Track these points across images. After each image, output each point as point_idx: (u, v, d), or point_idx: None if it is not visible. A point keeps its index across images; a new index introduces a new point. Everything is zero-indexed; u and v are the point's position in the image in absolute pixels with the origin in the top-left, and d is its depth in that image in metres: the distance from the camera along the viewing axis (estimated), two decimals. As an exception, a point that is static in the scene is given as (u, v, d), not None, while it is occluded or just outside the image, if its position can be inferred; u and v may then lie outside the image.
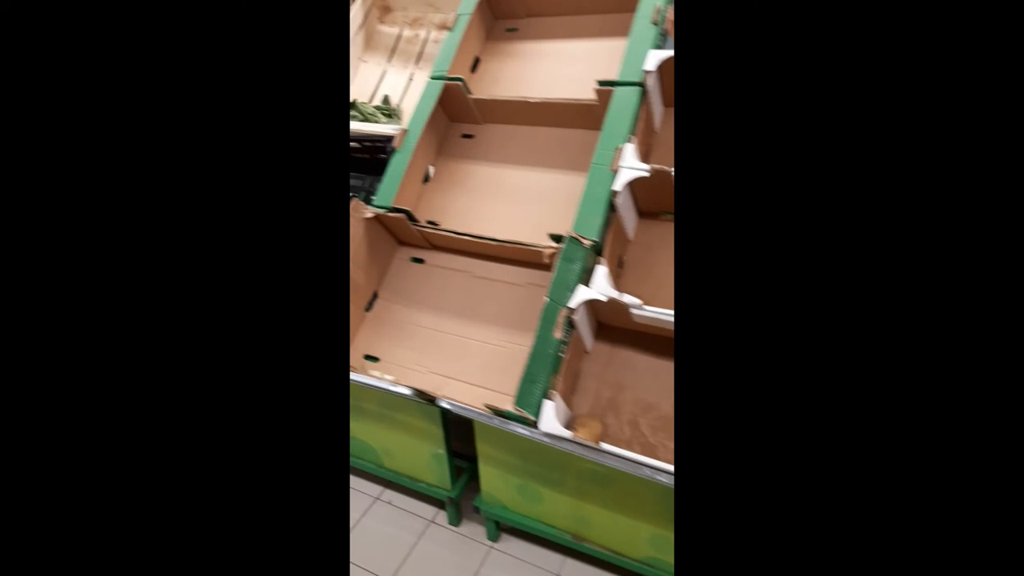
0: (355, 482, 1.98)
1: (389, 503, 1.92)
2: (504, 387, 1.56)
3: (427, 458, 1.68)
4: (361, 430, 1.77)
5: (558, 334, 1.33)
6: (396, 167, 1.74)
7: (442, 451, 1.63)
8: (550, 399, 1.27)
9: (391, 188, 1.70)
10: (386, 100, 2.12)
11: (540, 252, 1.50)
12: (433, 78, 1.84)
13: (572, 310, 1.34)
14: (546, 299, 1.37)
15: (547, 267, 1.57)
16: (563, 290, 1.37)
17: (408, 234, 1.78)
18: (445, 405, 1.37)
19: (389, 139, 1.78)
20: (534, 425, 1.26)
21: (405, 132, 1.76)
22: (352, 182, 2.04)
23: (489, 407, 1.31)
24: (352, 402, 1.68)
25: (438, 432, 1.58)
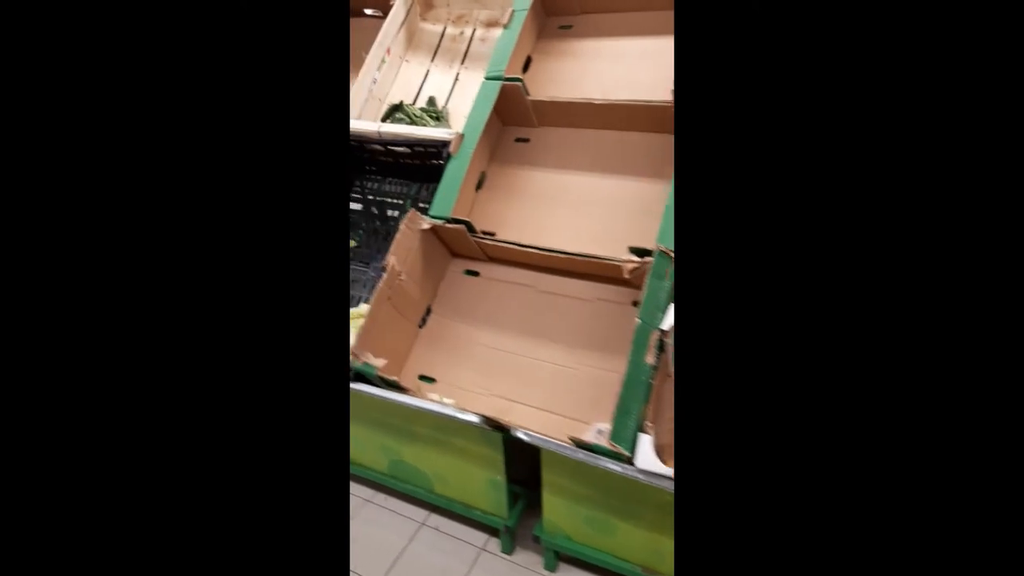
0: (400, 507, 1.88)
1: (436, 529, 1.82)
2: (575, 412, 1.45)
3: (484, 485, 1.58)
4: (411, 454, 1.66)
5: (650, 359, 1.22)
6: (453, 174, 1.62)
7: (501, 478, 1.53)
8: (646, 432, 1.16)
9: (449, 197, 1.59)
10: (431, 101, 2.00)
11: (619, 267, 1.39)
12: (488, 78, 1.73)
13: (665, 332, 1.22)
14: (638, 321, 1.25)
15: (622, 282, 1.46)
16: (654, 310, 1.26)
17: (463, 245, 1.66)
18: (521, 436, 1.26)
19: (442, 144, 1.66)
20: (629, 462, 1.15)
21: (462, 137, 1.65)
22: (398, 188, 1.93)
23: (574, 440, 1.20)
24: (402, 425, 1.58)
25: (498, 459, 1.48)
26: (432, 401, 1.42)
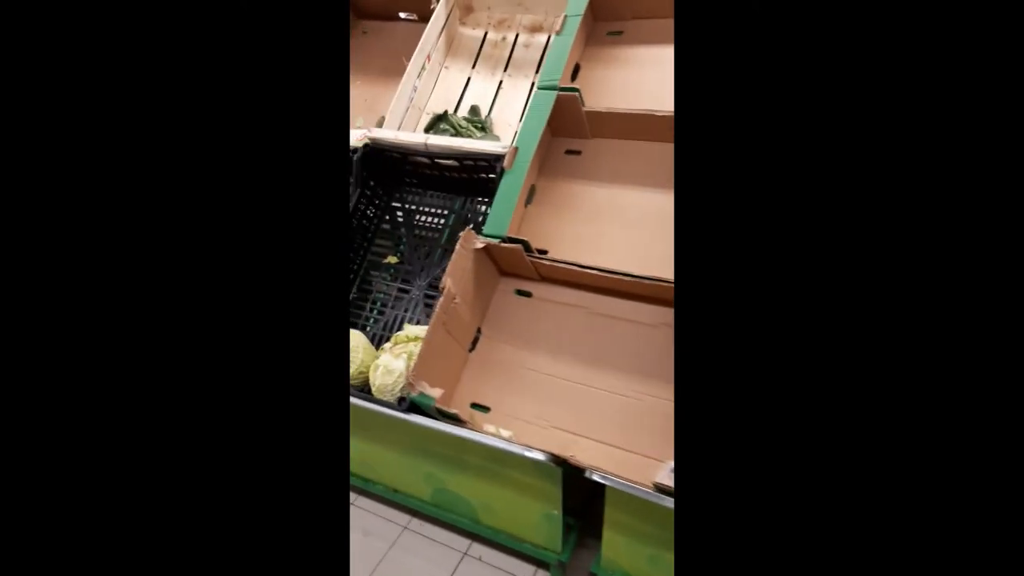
0: (438, 534, 1.80)
1: (479, 559, 1.73)
2: (642, 447, 1.36)
3: (537, 517, 1.49)
4: (457, 483, 1.58)
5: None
6: (508, 191, 1.53)
7: (557, 512, 1.45)
8: (739, 479, 1.08)
9: (504, 215, 1.50)
10: (474, 110, 1.91)
11: (693, 294, 1.30)
12: (541, 88, 1.64)
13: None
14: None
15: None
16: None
17: (516, 264, 1.57)
18: (596, 478, 1.18)
19: (495, 158, 1.57)
20: (723, 512, 1.06)
21: (516, 150, 1.56)
22: (440, 202, 1.84)
23: (658, 486, 1.11)
24: (452, 454, 1.50)
25: (556, 492, 1.39)
26: (489, 434, 1.34)
